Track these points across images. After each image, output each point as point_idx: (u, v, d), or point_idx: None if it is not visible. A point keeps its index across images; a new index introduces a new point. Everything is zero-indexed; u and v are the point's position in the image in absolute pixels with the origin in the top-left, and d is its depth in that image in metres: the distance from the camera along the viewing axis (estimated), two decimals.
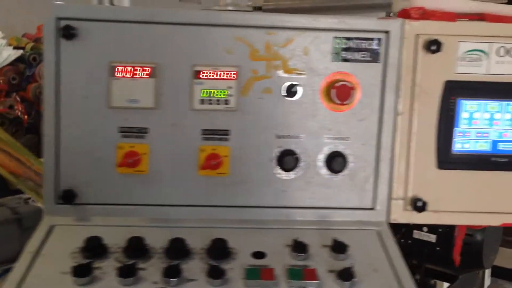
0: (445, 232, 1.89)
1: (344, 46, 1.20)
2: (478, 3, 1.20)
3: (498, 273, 3.22)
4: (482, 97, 1.21)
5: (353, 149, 1.23)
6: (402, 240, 2.05)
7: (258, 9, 2.90)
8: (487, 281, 3.04)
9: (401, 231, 2.05)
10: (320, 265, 1.08)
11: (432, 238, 2.07)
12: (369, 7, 2.10)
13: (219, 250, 1.08)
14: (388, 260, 1.12)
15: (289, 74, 1.20)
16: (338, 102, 1.18)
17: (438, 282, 2.16)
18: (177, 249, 1.08)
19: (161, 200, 1.20)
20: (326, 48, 1.20)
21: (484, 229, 1.91)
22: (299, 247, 1.10)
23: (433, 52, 1.18)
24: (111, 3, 1.44)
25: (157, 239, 1.12)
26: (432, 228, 1.91)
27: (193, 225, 1.18)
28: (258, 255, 1.11)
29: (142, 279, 1.01)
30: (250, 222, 1.21)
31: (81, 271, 0.99)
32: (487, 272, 2.90)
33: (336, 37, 1.19)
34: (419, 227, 1.99)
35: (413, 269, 1.98)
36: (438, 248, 1.90)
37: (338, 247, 1.11)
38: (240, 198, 1.22)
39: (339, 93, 1.18)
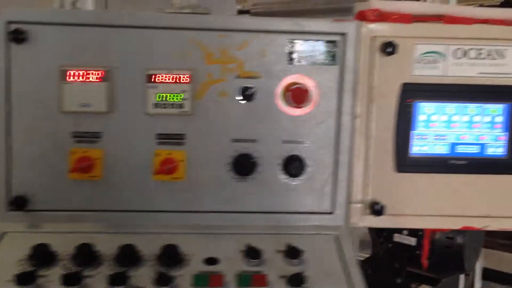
0: (424, 235, 1.87)
1: (300, 48, 1.18)
2: (435, 5, 1.19)
3: (490, 275, 3.22)
4: (439, 100, 1.20)
5: (311, 153, 1.21)
6: (383, 244, 2.04)
7: (246, 12, 2.90)
8: (478, 284, 3.04)
9: (383, 235, 2.04)
10: (272, 271, 1.07)
11: (412, 241, 2.05)
12: None
13: (169, 257, 1.06)
14: (343, 265, 1.11)
15: (245, 77, 1.18)
16: (294, 105, 1.17)
17: (421, 285, 2.14)
18: (127, 256, 1.06)
19: (114, 206, 1.18)
20: (282, 50, 1.18)
21: (465, 232, 1.89)
22: (252, 253, 1.09)
23: (389, 54, 1.16)
24: (74, 7, 1.42)
25: (108, 246, 1.10)
26: (412, 231, 1.89)
27: (147, 231, 1.16)
28: (211, 261, 1.09)
29: (87, 287, 0.99)
30: (205, 227, 1.19)
31: (24, 279, 0.97)
32: (478, 275, 2.90)
33: (291, 40, 1.18)
34: (399, 230, 1.98)
35: (395, 273, 1.97)
36: (418, 252, 1.88)
37: (292, 253, 1.10)
38: (195, 203, 1.20)
39: (294, 96, 1.16)
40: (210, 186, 1.20)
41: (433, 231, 1.77)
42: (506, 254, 3.69)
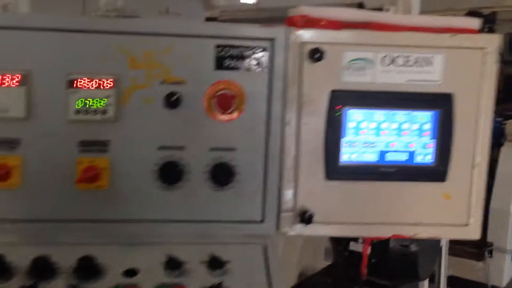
0: (379, 243, 1.87)
1: (227, 54, 1.15)
2: (365, 12, 1.18)
3: (455, 283, 3.24)
4: (368, 107, 1.19)
5: (240, 160, 1.19)
6: (342, 252, 2.03)
7: (213, 19, 2.87)
8: None
9: (342, 243, 2.03)
10: (193, 282, 1.03)
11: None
12: None
13: (85, 269, 1.01)
14: (267, 275, 1.08)
15: (171, 83, 1.14)
16: (220, 111, 1.14)
17: None
18: (40, 269, 1.01)
19: (33, 215, 1.13)
20: (209, 56, 1.15)
21: (419, 240, 1.90)
22: (173, 264, 1.05)
23: (316, 60, 1.15)
24: (5, 10, 1.36)
25: (22, 258, 1.04)
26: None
27: (66, 241, 1.11)
28: (130, 273, 1.05)
29: None
30: (128, 237, 1.15)
31: None
32: (443, 283, 2.91)
33: (218, 45, 1.15)
34: (355, 238, 1.97)
35: (352, 281, 1.96)
36: (373, 260, 1.88)
37: (215, 263, 1.07)
38: (119, 212, 1.15)
39: (219, 102, 1.13)
40: (135, 194, 1.16)
41: (374, 240, 1.76)
42: (473, 262, 3.75)
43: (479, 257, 3.76)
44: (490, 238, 3.77)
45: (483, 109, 1.20)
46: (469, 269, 3.79)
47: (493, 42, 1.18)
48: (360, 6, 2.12)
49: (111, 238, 1.13)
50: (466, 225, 1.25)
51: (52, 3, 1.49)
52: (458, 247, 3.73)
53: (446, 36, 1.17)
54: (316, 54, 1.14)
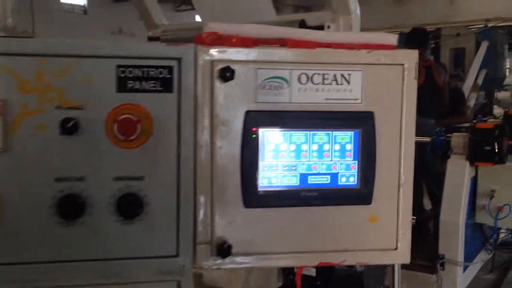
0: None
1: (130, 74, 1.06)
2: (278, 28, 1.11)
3: None
4: (287, 127, 1.11)
5: (149, 190, 1.08)
6: (289, 275, 1.95)
7: (156, 39, 2.76)
8: None
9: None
10: None
11: (312, 271, 1.98)
12: None
13: None
14: None
15: (67, 108, 1.03)
16: (122, 137, 1.03)
17: None
18: None
19: None
20: (110, 77, 1.05)
21: None
22: None
23: (227, 79, 1.07)
24: None
25: None
26: None
27: None
28: None
29: None
30: (23, 281, 1.02)
31: None
32: None
33: (120, 65, 1.05)
34: None
35: None
36: (318, 282, 1.81)
37: None
38: (12, 253, 1.02)
39: (121, 127, 1.02)
40: (31, 233, 1.03)
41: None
42: (426, 275, 3.73)
43: (432, 270, 3.75)
44: (441, 250, 3.77)
45: (405, 126, 1.15)
46: (423, 282, 3.77)
47: (411, 58, 1.13)
48: (302, 23, 2.09)
49: (4, 284, 1.00)
50: (395, 248, 1.18)
51: None
52: (411, 261, 3.72)
53: (363, 52, 1.12)
54: (226, 73, 1.06)
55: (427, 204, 4.80)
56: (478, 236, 4.15)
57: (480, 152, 3.63)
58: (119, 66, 1.05)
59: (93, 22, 10.99)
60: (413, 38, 4.51)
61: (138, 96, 1.06)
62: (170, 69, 1.07)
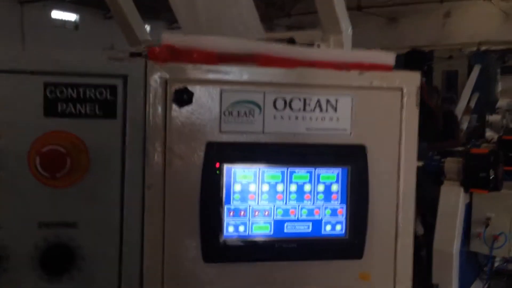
0: None
1: (61, 95, 0.84)
2: (249, 42, 0.90)
3: None
4: (258, 163, 0.89)
5: (84, 240, 0.85)
6: None
7: (138, 55, 2.56)
8: None
9: None
10: None
11: None
12: None
13: None
14: None
15: None
16: (46, 174, 0.81)
17: None
18: None
19: None
20: (36, 98, 0.82)
21: None
22: None
23: (184, 104, 0.85)
24: None
25: None
26: None
27: None
28: None
29: None
30: None
31: None
32: None
33: (49, 83, 0.83)
34: None
35: None
36: None
37: None
38: None
39: (45, 161, 0.80)
40: None
41: None
42: None
43: None
44: (435, 280, 3.56)
45: (404, 163, 0.94)
46: None
47: (411, 80, 0.92)
48: (290, 41, 1.89)
49: None
50: None
51: None
52: None
53: (354, 73, 0.91)
54: (183, 96, 0.84)
55: (419, 229, 4.59)
56: (473, 264, 3.93)
57: (474, 179, 3.44)
58: (47, 85, 0.82)
59: (85, 38, 10.78)
60: (411, 60, 4.34)
61: (70, 122, 0.83)
62: (113, 89, 0.84)
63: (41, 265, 0.82)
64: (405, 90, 0.92)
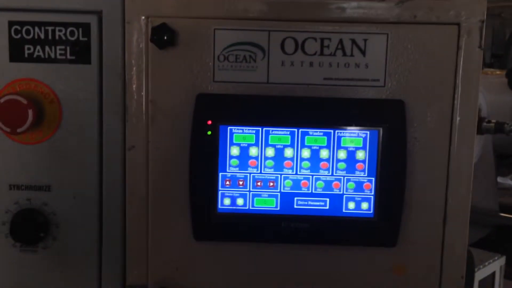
0: None
1: (28, 36, 0.69)
2: None
3: None
4: (261, 123, 0.69)
5: (58, 205, 0.71)
6: None
7: None
8: None
9: None
10: None
11: None
12: None
13: None
14: None
15: None
16: (6, 129, 0.68)
17: None
18: None
19: None
20: (1, 39, 0.70)
21: None
22: None
23: (165, 45, 0.66)
24: None
25: None
26: None
27: None
28: None
29: None
30: None
31: None
32: None
33: (13, 21, 0.69)
34: None
35: None
36: None
37: None
38: None
39: (2, 114, 0.67)
40: None
41: None
42: None
43: None
44: None
45: (458, 126, 0.68)
46: None
47: (474, 12, 0.65)
48: None
49: None
50: None
51: None
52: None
53: (390, 3, 0.66)
54: (164, 35, 0.66)
55: None
56: None
57: None
58: (12, 23, 0.69)
59: None
60: None
61: (38, 67, 0.69)
62: (86, 28, 0.69)
63: (11, 232, 0.70)
64: (463, 25, 0.65)
